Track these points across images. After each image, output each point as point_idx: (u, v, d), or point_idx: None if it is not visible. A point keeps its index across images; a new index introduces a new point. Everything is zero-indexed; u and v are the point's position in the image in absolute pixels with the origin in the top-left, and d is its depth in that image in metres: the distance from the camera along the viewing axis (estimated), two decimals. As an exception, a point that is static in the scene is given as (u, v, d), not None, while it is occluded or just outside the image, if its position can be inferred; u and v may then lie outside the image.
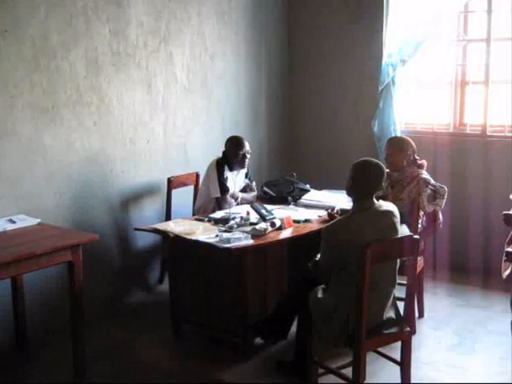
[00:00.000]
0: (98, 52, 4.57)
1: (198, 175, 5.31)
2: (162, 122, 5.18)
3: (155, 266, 5.27)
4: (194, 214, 4.91)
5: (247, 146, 4.85)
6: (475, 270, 5.42)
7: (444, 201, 4.39)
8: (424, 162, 4.64)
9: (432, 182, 4.43)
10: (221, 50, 5.68)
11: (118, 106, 4.78)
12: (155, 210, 5.17)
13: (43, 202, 4.30)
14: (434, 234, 4.56)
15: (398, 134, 5.68)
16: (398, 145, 4.56)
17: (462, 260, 5.51)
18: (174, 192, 5.10)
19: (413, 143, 4.59)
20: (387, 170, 4.22)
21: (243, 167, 4.93)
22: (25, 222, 3.94)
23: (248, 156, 4.87)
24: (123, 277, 5.00)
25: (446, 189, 4.42)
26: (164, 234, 4.26)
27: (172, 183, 5.08)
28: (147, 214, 5.11)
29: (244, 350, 4.06)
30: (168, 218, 5.01)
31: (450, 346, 4.23)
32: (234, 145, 4.83)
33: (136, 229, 4.64)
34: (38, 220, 3.99)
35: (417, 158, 4.58)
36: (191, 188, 5.33)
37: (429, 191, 4.36)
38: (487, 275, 5.23)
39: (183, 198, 5.24)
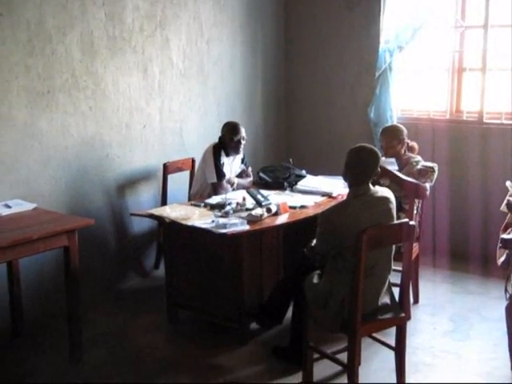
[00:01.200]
0: (93, 36, 4.55)
1: (193, 160, 5.31)
2: (158, 107, 5.17)
3: (151, 251, 5.28)
4: (189, 200, 4.92)
5: (243, 132, 4.85)
6: (474, 256, 5.43)
7: (435, 175, 4.44)
8: (415, 144, 4.71)
9: (422, 162, 4.50)
10: (217, 35, 5.66)
11: (114, 90, 4.76)
12: (151, 195, 5.17)
13: (39, 186, 4.30)
14: (422, 199, 4.53)
15: (395, 120, 5.70)
16: (393, 134, 4.60)
17: (461, 247, 5.53)
18: (170, 177, 5.10)
19: (404, 128, 4.63)
20: (383, 158, 4.25)
21: (238, 153, 4.93)
22: (20, 206, 3.93)
23: (243, 142, 4.87)
24: (119, 262, 5.01)
25: (437, 165, 4.48)
26: (160, 219, 4.27)
27: (168, 168, 5.08)
28: (143, 199, 5.11)
29: (240, 335, 4.08)
30: (164, 203, 5.01)
31: (444, 332, 4.25)
32: (229, 130, 4.83)
33: (132, 214, 4.65)
34: (34, 205, 3.99)
35: (407, 141, 4.64)
36: (187, 173, 5.33)
37: (419, 167, 4.43)
38: (486, 262, 5.24)
39: (179, 183, 5.25)
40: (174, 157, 5.24)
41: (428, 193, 4.40)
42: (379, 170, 3.40)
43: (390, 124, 5.33)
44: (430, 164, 4.48)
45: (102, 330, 4.26)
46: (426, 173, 4.40)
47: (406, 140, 4.62)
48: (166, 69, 5.19)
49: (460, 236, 5.55)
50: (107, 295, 4.81)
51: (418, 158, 4.57)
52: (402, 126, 4.68)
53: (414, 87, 5.90)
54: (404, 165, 4.52)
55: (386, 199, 3.36)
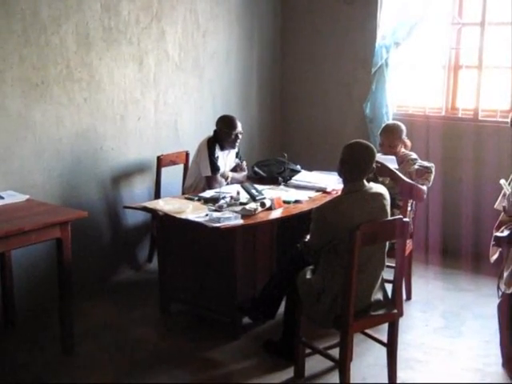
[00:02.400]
0: (89, 27, 4.53)
1: (187, 154, 5.30)
2: (153, 100, 5.16)
3: (144, 244, 5.28)
4: (183, 193, 4.91)
5: (239, 127, 4.84)
6: (467, 253, 5.45)
7: (432, 176, 4.42)
8: (408, 141, 4.67)
9: (419, 161, 4.48)
10: (213, 28, 5.64)
11: (109, 82, 4.75)
12: (145, 188, 5.16)
13: (32, 177, 4.28)
14: (419, 202, 4.56)
15: (390, 117, 5.69)
16: (396, 134, 4.55)
17: (454, 244, 5.55)
18: (164, 170, 5.09)
19: (404, 127, 4.62)
20: (379, 154, 4.24)
21: (234, 147, 4.93)
22: (13, 197, 3.92)
23: (240, 136, 4.87)
24: (112, 254, 5.00)
25: (434, 165, 4.45)
26: (153, 212, 4.27)
27: (162, 161, 5.07)
28: (137, 191, 5.10)
29: (232, 329, 4.08)
30: (157, 196, 5.01)
31: (436, 329, 4.27)
32: (226, 125, 4.82)
33: (125, 207, 4.64)
34: (27, 196, 3.97)
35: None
36: (181, 166, 5.32)
37: (416, 167, 4.40)
38: (478, 259, 5.23)
39: (173, 176, 5.24)
40: (168, 150, 5.22)
41: (425, 196, 4.40)
42: (374, 166, 3.41)
43: (389, 121, 5.24)
44: (426, 164, 4.43)
45: (94, 323, 4.25)
46: (423, 174, 4.36)
47: (405, 138, 4.61)
48: (161, 61, 5.17)
49: (453, 233, 5.56)
50: (100, 288, 4.80)
51: (414, 155, 4.54)
52: (402, 125, 4.63)
53: (410, 84, 5.90)
54: (400, 162, 4.50)
55: (380, 195, 3.36)
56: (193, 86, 5.53)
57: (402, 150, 4.59)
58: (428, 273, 5.27)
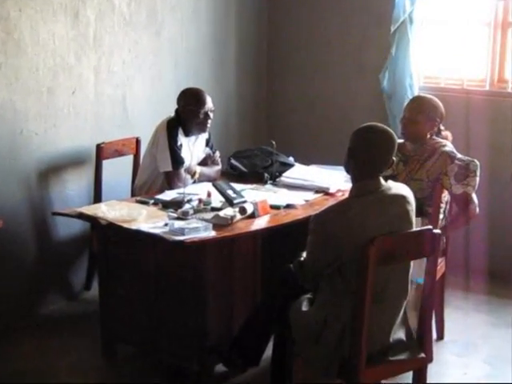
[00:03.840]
0: (5, -33, 4.53)
1: (138, 141, 5.31)
2: (93, 67, 5.15)
3: (81, 264, 5.28)
4: (134, 195, 4.91)
5: (210, 103, 4.85)
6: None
7: (477, 179, 4.39)
8: (449, 133, 4.65)
9: (459, 155, 4.45)
10: (176, -31, 5.67)
11: (32, 42, 4.73)
12: (82, 187, 5.16)
13: None
14: (467, 224, 4.60)
15: (416, 91, 5.71)
16: (422, 107, 4.52)
17: (501, 265, 5.60)
18: (107, 163, 5.10)
19: (441, 107, 4.57)
20: (400, 140, 4.23)
21: (204, 131, 4.94)
22: None
23: (211, 115, 4.87)
24: (38, 278, 4.99)
25: (479, 163, 4.43)
26: (93, 220, 4.26)
27: (103, 151, 5.07)
28: (71, 192, 5.10)
29: (201, 381, 4.09)
30: (98, 198, 5.00)
31: (478, 378, 4.29)
32: (191, 101, 4.83)
33: (54, 213, 4.62)
34: None
35: (440, 126, 4.60)
36: (130, 158, 5.33)
37: (456, 168, 4.37)
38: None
39: (119, 171, 5.25)
40: (113, 135, 5.23)
41: (478, 209, 4.42)
42: (394, 159, 3.42)
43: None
44: (467, 160, 4.39)
45: (12, 370, 4.23)
46: (464, 177, 4.36)
47: (438, 124, 4.56)
48: (104, 14, 5.16)
49: (500, 250, 5.60)
50: (21, 323, 4.79)
51: (450, 146, 4.47)
52: (439, 103, 4.57)
53: (442, 47, 5.94)
54: (430, 152, 4.47)
55: (402, 198, 3.38)
56: (147, 48, 5.53)
57: (435, 137, 4.55)
58: (467, 303, 5.31)
